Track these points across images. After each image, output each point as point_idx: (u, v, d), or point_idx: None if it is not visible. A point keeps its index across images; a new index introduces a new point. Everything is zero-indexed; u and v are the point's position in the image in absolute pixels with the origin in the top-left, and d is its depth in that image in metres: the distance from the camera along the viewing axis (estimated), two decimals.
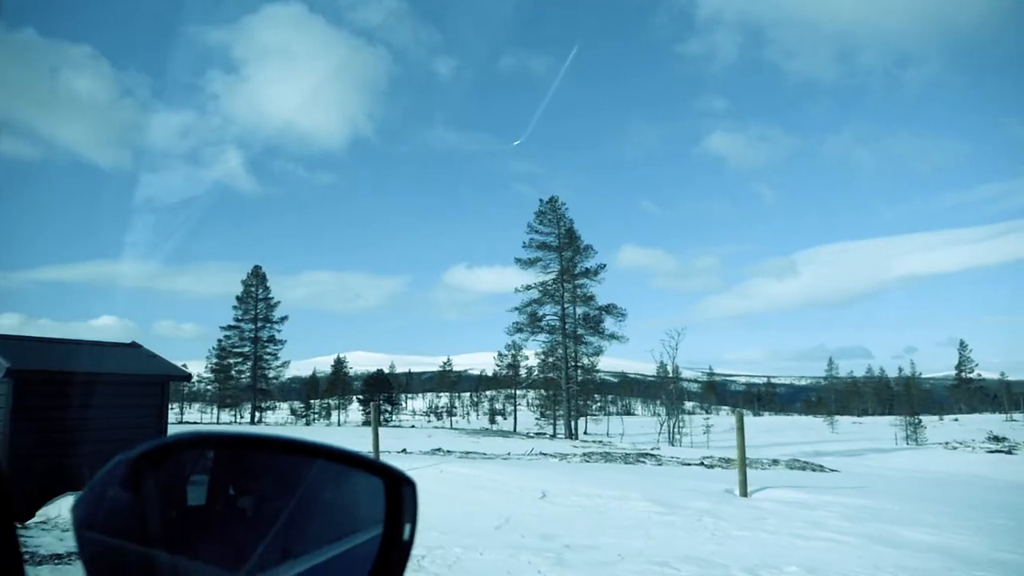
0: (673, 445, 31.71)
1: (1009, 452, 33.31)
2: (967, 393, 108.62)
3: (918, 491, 10.53)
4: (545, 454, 17.06)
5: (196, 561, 0.88)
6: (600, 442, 29.23)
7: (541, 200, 42.21)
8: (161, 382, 13.71)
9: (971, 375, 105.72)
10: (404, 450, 17.73)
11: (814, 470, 14.59)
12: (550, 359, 42.58)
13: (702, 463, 14.76)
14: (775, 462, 15.78)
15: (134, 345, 14.58)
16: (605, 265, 41.02)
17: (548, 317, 40.86)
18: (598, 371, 43.53)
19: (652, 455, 16.86)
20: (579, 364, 40.34)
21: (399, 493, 1.06)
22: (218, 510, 0.99)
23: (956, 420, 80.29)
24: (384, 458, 14.32)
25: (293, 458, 1.06)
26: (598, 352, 41.42)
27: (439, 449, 18.33)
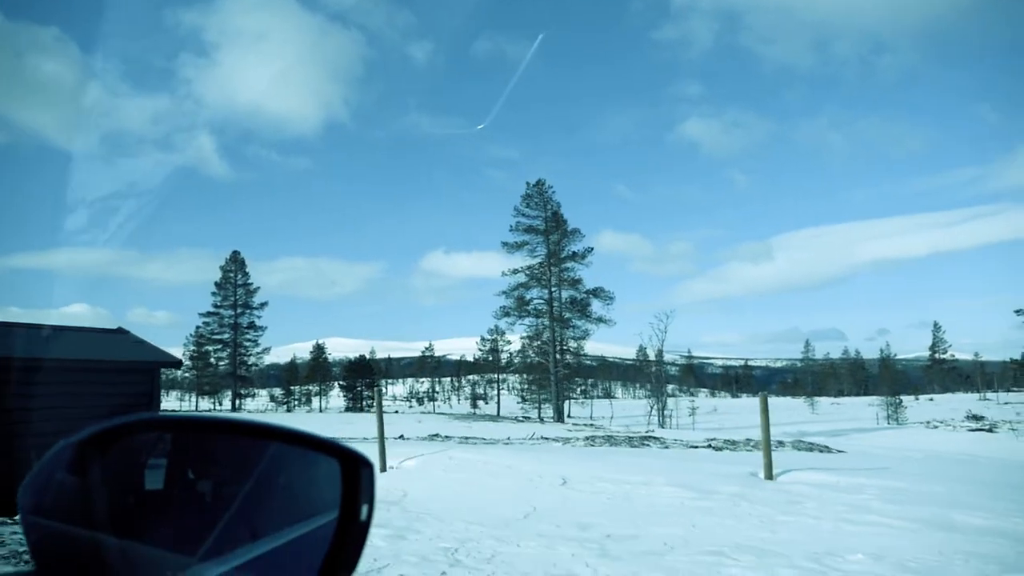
0: (663, 427, 31.64)
1: (990, 430, 33.73)
2: (940, 373, 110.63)
3: (942, 471, 10.34)
4: (547, 438, 16.74)
5: (150, 546, 0.86)
6: (591, 425, 29.04)
7: (528, 183, 41.83)
8: (150, 369, 13.11)
9: (944, 356, 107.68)
10: (401, 436, 17.29)
11: (821, 451, 14.42)
12: (535, 343, 42.28)
13: (709, 445, 14.53)
14: (780, 443, 15.61)
15: (120, 331, 13.92)
16: (592, 248, 40.80)
17: (535, 301, 40.56)
18: (585, 355, 43.28)
19: (656, 438, 16.62)
20: (567, 348, 40.09)
21: (356, 474, 1.04)
22: (176, 494, 0.98)
23: (931, 400, 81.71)
24: (388, 444, 13.86)
25: (253, 441, 1.05)
26: (584, 336, 41.23)
27: (436, 435, 17.93)
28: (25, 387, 11.26)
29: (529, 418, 41.37)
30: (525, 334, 43.05)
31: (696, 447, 14.31)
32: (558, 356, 39.04)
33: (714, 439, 16.73)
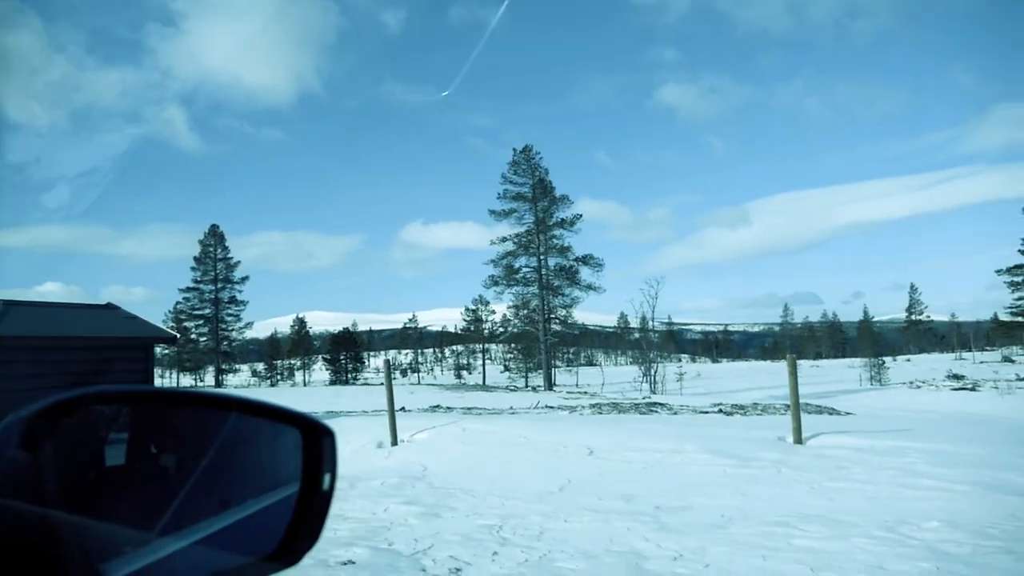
0: (654, 393, 31.63)
1: (973, 389, 34.18)
2: (917, 334, 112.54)
3: (970, 432, 10.20)
4: (551, 407, 16.48)
5: (109, 522, 0.84)
6: (585, 392, 28.91)
7: (515, 149, 41.03)
8: (145, 345, 12.57)
9: (921, 317, 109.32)
10: (403, 408, 16.92)
11: (830, 414, 14.31)
12: (523, 312, 41.94)
13: (720, 411, 14.35)
14: (788, 407, 15.47)
15: (110, 306, 13.33)
16: (581, 215, 40.23)
17: (524, 269, 40.08)
18: (575, 322, 43.08)
19: (661, 404, 16.42)
20: (556, 316, 39.82)
21: (318, 443, 1.04)
22: (138, 469, 0.95)
23: (909, 360, 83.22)
24: (381, 416, 13.47)
25: (214, 413, 1.03)
26: (571, 304, 40.91)
27: (438, 406, 17.59)
28: (8, 366, 10.68)
29: (519, 387, 41.24)
30: (512, 303, 42.67)
31: (706, 412, 14.11)
32: (548, 324, 38.77)
33: (720, 404, 16.57)
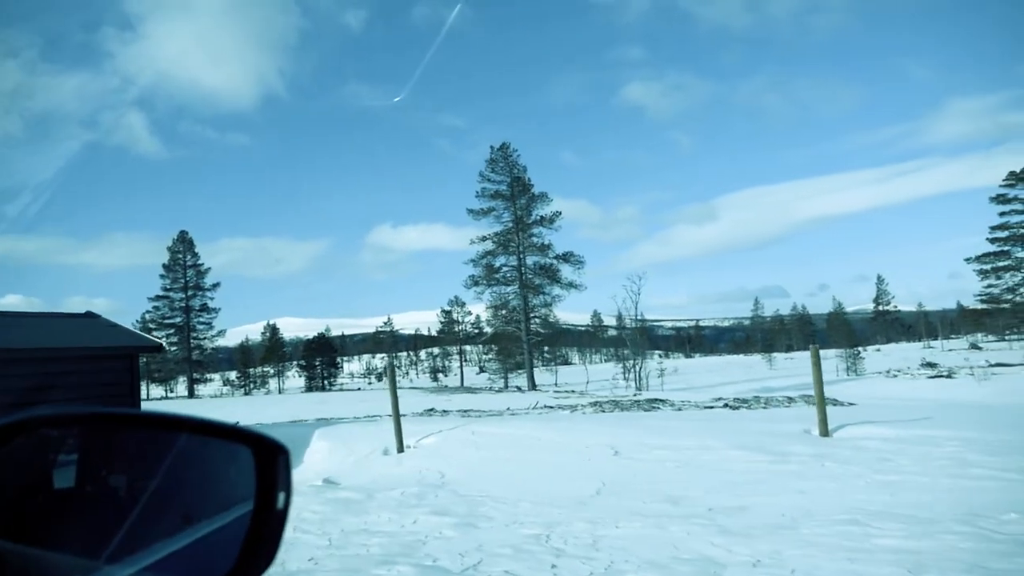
0: (640, 390, 31.47)
1: (949, 376, 34.58)
2: (884, 324, 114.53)
3: (984, 420, 10.06)
4: (550, 407, 16.11)
5: (54, 550, 0.80)
6: (573, 391, 28.60)
7: (492, 147, 40.56)
8: (129, 355, 11.91)
9: (888, 307, 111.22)
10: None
11: (834, 404, 14.18)
12: (502, 312, 41.48)
13: (726, 405, 14.11)
14: (791, 399, 15.34)
15: (89, 315, 12.64)
16: (560, 212, 39.93)
17: (504, 268, 39.61)
18: (557, 321, 42.74)
19: (662, 400, 16.15)
20: (537, 315, 39.44)
21: (272, 461, 1.02)
22: (87, 493, 0.93)
23: (879, 351, 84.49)
24: (379, 422, 13.01)
25: (165, 433, 0.99)
26: (549, 304, 40.54)
27: (431, 409, 17.11)
28: None
29: (501, 388, 40.83)
30: (491, 303, 42.14)
31: (711, 407, 13.88)
32: (529, 324, 38.38)
33: (719, 398, 16.38)
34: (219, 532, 0.98)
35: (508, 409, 16.16)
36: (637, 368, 32.93)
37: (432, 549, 5.30)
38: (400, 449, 10.23)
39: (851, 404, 14.42)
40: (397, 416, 10.62)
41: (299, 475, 10.12)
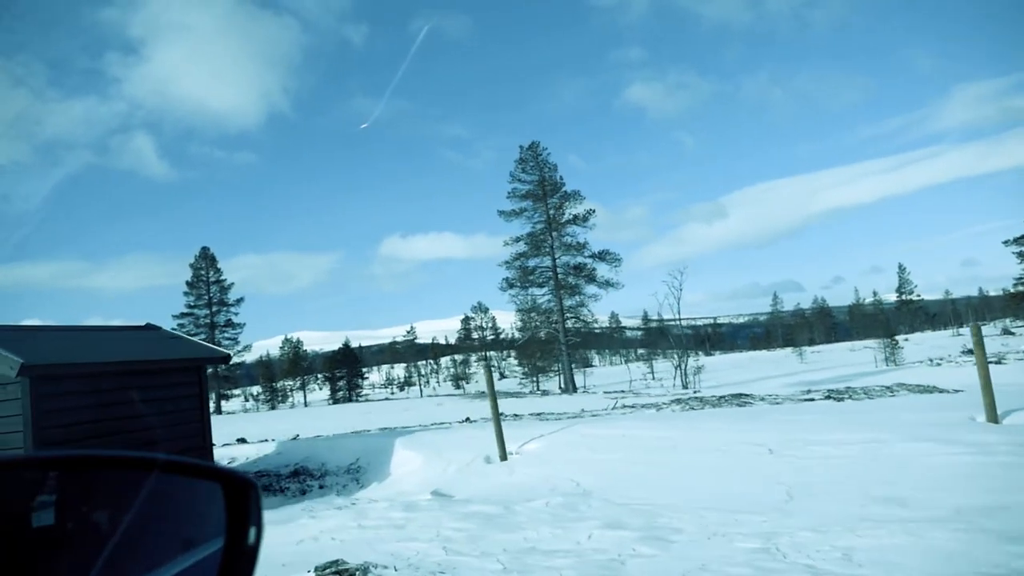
0: (687, 388, 30.60)
1: (998, 362, 33.49)
2: (908, 314, 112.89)
3: None
4: (631, 407, 15.28)
5: None
6: (622, 392, 27.76)
7: (521, 147, 39.74)
8: (197, 366, 11.19)
9: (912, 297, 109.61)
10: (467, 419, 15.68)
11: (940, 392, 13.29)
12: (533, 315, 40.61)
13: (827, 396, 13.24)
14: (889, 389, 14.42)
15: (150, 327, 11.92)
16: (594, 210, 39.02)
17: (540, 269, 38.71)
18: (595, 321, 41.83)
19: (748, 395, 15.29)
20: (574, 315, 38.52)
21: (243, 497, 1.02)
22: (68, 530, 0.92)
23: (907, 340, 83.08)
24: (452, 429, 12.22)
25: (136, 473, 0.99)
26: (583, 304, 39.60)
27: (502, 414, 16.30)
28: (50, 400, 9.27)
29: (537, 391, 39.99)
30: (523, 307, 41.25)
31: (811, 399, 13.00)
32: (567, 325, 37.47)
33: (808, 390, 15.50)
34: (191, 569, 0.97)
35: (583, 410, 15.33)
36: (683, 366, 32.03)
37: (636, 570, 4.49)
38: (503, 457, 9.44)
39: (958, 391, 13.51)
40: (498, 421, 9.83)
41: (397, 487, 9.32)
